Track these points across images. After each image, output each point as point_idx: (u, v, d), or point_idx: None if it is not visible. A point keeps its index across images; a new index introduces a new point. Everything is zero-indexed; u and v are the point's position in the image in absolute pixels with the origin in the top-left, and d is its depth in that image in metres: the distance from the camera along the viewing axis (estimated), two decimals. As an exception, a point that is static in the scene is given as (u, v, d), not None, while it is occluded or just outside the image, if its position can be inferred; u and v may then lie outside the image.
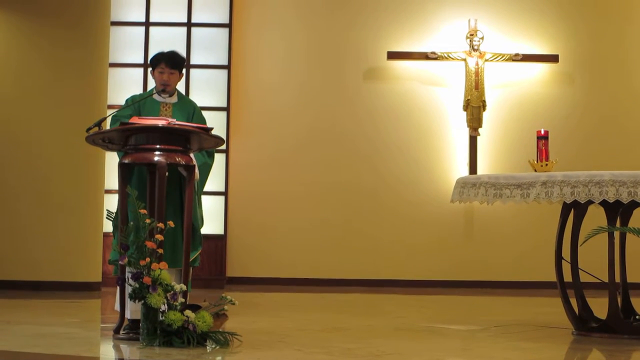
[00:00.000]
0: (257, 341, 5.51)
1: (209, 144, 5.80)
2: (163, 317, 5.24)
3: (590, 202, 5.97)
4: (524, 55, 10.84)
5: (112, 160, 9.16)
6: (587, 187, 5.83)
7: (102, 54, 9.63)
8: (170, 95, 6.16)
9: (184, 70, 6.27)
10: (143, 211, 5.39)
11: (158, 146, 5.55)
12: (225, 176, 10.67)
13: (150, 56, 6.58)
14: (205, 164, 6.10)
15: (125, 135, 5.59)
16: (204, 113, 6.34)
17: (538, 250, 10.29)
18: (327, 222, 10.82)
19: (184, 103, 6.23)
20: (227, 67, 10.75)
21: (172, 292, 5.26)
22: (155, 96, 6.14)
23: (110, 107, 9.67)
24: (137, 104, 6.10)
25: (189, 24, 10.82)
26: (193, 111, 6.19)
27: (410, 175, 10.88)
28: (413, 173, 10.89)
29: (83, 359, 4.85)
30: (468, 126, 10.78)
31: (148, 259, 5.26)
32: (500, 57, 10.83)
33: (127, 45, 10.73)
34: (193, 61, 10.73)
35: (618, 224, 6.23)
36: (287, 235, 10.82)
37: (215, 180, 10.27)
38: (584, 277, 6.34)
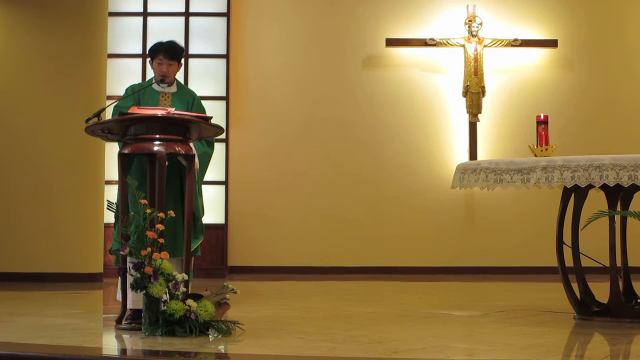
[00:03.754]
0: (259, 329, 5.52)
1: (208, 133, 5.80)
2: (165, 307, 5.24)
3: (590, 186, 5.96)
4: (522, 40, 10.82)
5: (112, 150, 9.16)
6: (587, 172, 5.83)
7: (100, 45, 9.62)
8: (170, 85, 6.15)
9: (182, 60, 6.26)
10: (143, 201, 5.39)
11: (158, 136, 5.56)
12: (225, 165, 10.66)
13: (148, 46, 6.57)
14: (205, 154, 6.09)
15: (125, 126, 5.59)
16: (203, 103, 6.32)
17: (539, 235, 10.29)
18: (327, 210, 10.82)
19: (184, 92, 6.22)
20: (226, 57, 10.73)
21: (173, 281, 5.26)
22: (155, 86, 6.13)
23: (109, 97, 9.66)
24: (137, 93, 6.09)
25: (187, 14, 10.79)
26: (192, 100, 6.18)
27: (410, 162, 10.88)
28: (413, 160, 10.88)
29: (86, 350, 4.84)
30: (467, 112, 10.77)
31: (149, 249, 5.26)
32: (499, 42, 10.81)
33: (125, 36, 10.70)
34: (191, 51, 10.71)
35: (619, 208, 6.23)
36: (288, 224, 10.82)
37: (215, 170, 10.27)
38: (585, 262, 6.34)
